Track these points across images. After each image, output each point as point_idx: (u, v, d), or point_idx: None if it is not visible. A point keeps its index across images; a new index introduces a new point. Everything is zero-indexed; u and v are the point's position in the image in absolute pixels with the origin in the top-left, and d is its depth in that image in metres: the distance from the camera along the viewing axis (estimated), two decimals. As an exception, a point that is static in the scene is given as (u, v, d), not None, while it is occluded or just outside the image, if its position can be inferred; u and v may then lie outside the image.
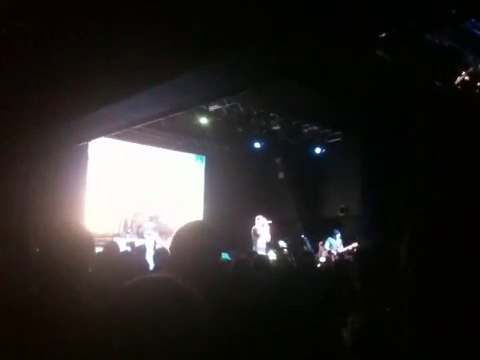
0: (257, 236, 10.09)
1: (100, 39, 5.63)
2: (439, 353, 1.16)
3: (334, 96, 8.00)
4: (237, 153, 12.62)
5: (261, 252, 9.10)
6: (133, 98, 5.96)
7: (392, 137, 8.76)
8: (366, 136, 10.13)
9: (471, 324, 1.15)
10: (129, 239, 10.31)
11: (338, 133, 11.75)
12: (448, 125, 7.00)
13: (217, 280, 2.10)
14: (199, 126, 10.60)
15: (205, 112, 10.13)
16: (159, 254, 5.28)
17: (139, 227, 11.06)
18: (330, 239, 10.72)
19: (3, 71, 6.55)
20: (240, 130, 10.91)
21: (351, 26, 4.22)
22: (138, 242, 9.44)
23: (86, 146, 9.71)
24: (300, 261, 6.46)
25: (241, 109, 10.17)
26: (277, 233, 10.47)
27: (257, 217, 10.31)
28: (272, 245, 10.14)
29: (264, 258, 5.88)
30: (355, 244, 10.07)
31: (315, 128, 11.66)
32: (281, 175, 13.14)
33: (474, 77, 6.89)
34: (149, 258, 6.22)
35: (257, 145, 11.71)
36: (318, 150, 12.17)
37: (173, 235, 2.05)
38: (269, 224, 10.23)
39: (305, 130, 11.63)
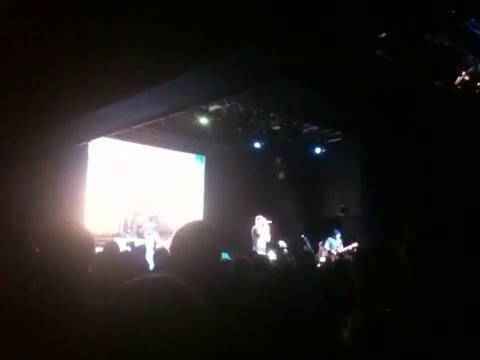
0: (257, 236, 10.09)
1: (100, 39, 5.63)
2: (439, 353, 1.16)
3: (334, 96, 8.00)
4: (237, 153, 12.61)
5: (261, 252, 9.09)
6: (133, 98, 5.96)
7: (392, 137, 8.76)
8: (366, 136, 10.13)
9: (471, 324, 1.15)
10: (129, 239, 10.31)
11: (338, 133, 11.74)
12: (448, 125, 7.00)
13: (217, 280, 2.10)
14: (199, 126, 10.59)
15: (205, 112, 10.12)
16: (159, 254, 5.28)
17: (139, 227, 11.06)
18: (330, 239, 10.72)
19: (3, 71, 6.55)
20: (240, 130, 10.90)
21: (351, 26, 4.22)
22: (138, 242, 9.44)
23: (86, 146, 9.70)
24: (300, 261, 6.46)
25: (241, 109, 10.17)
26: (277, 233, 10.47)
27: (257, 217, 10.31)
28: (272, 245, 10.14)
29: (264, 258, 5.89)
30: (355, 244, 10.07)
31: (315, 128, 11.66)
32: (281, 175, 13.14)
33: (474, 77, 6.89)
34: (149, 258, 6.23)
35: (257, 145, 11.71)
36: (318, 150, 12.17)
37: (173, 235, 2.05)
38: (269, 224, 10.23)
39: (305, 130, 11.62)
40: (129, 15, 5.25)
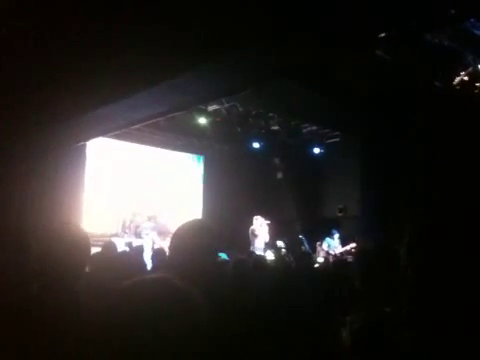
0: (255, 236, 10.08)
1: (100, 39, 5.62)
2: (439, 353, 1.16)
3: (334, 96, 8.00)
4: (236, 153, 12.61)
5: (259, 252, 9.08)
6: (132, 98, 5.96)
7: (392, 137, 8.76)
8: (366, 136, 10.13)
9: (471, 324, 1.15)
10: (127, 239, 10.31)
11: (337, 133, 11.74)
12: (448, 125, 7.01)
13: (216, 280, 2.10)
14: (198, 126, 10.58)
15: (204, 112, 10.12)
16: (157, 254, 5.27)
17: (137, 227, 11.04)
18: (328, 239, 10.73)
19: (3, 71, 6.54)
20: (239, 130, 10.89)
21: (351, 26, 4.22)
22: (136, 242, 9.42)
23: (84, 146, 9.69)
24: (298, 261, 6.46)
25: (240, 109, 10.15)
26: (276, 233, 10.47)
27: (255, 217, 10.30)
28: (270, 245, 10.13)
29: (263, 258, 5.89)
30: (353, 244, 10.07)
31: (314, 128, 11.66)
32: (280, 175, 13.13)
33: (473, 77, 6.89)
34: (147, 258, 6.21)
35: (256, 145, 11.70)
36: (317, 150, 12.16)
37: (172, 234, 2.04)
38: (268, 224, 10.23)
39: (304, 130, 11.62)
40: (129, 15, 5.25)
